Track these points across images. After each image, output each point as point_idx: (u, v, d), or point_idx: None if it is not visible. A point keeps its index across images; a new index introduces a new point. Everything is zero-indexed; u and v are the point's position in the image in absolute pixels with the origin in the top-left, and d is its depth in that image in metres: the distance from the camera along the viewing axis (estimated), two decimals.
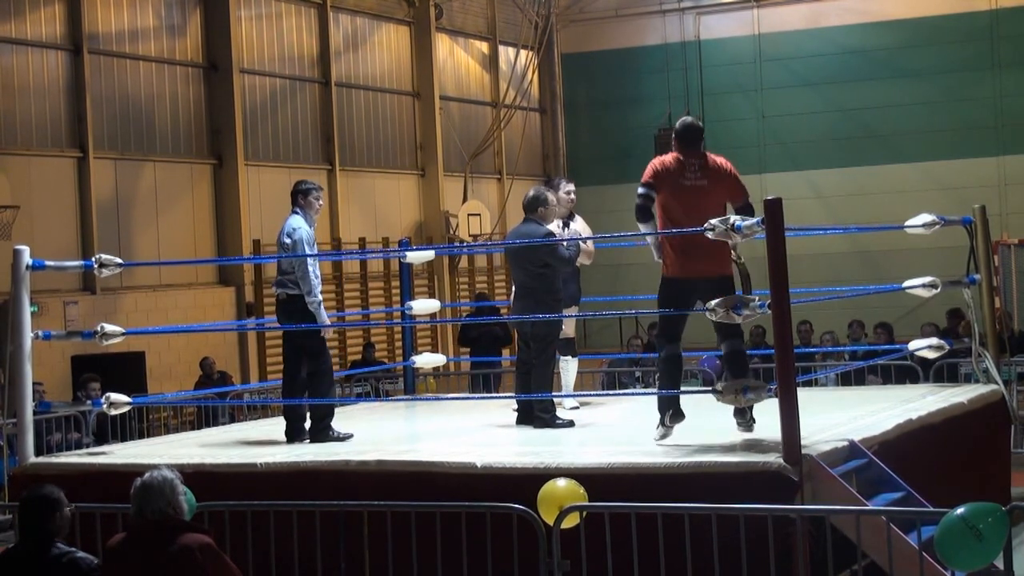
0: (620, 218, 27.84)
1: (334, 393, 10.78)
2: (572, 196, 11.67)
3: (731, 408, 9.03)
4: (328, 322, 10.48)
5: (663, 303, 9.14)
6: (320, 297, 10.37)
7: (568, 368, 11.80)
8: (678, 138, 9.26)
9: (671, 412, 9.00)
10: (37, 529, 6.44)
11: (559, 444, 9.62)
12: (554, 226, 11.13)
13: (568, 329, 11.62)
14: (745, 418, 9.00)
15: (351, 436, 10.22)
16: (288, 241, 10.41)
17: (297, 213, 10.60)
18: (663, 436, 9.03)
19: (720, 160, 9.24)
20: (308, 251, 10.33)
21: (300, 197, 10.66)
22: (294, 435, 10.36)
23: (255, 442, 10.54)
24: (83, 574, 6.33)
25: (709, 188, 9.01)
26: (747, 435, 8.99)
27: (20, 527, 6.69)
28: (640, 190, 9.12)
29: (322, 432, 10.23)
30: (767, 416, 8.81)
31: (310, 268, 10.30)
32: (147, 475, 6.26)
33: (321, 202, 10.78)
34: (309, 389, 10.52)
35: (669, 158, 9.18)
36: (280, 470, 9.20)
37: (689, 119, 9.47)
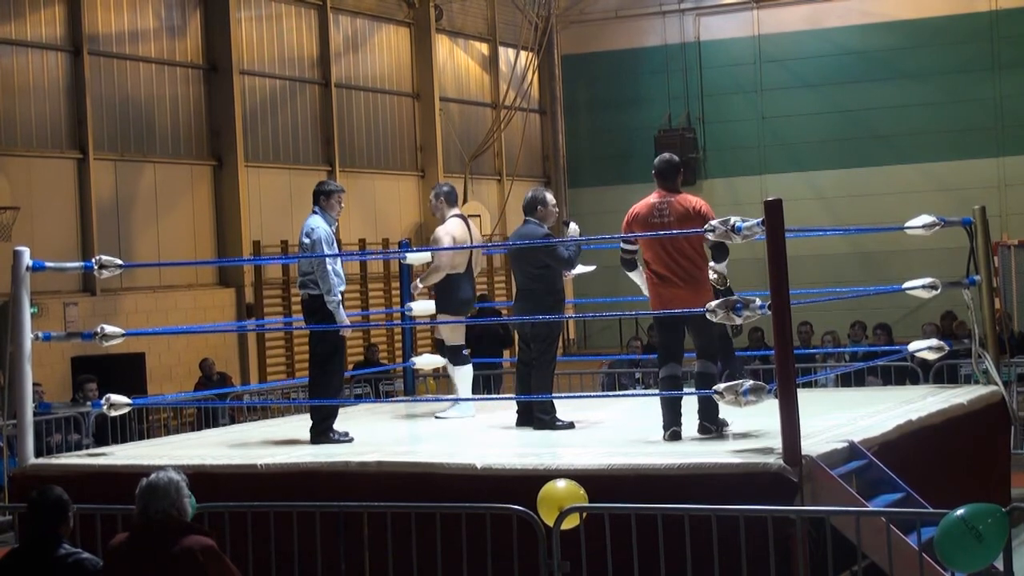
0: (620, 219, 27.81)
1: (338, 395, 10.75)
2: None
3: (732, 410, 9.07)
4: (347, 322, 10.47)
5: (656, 328, 9.76)
6: (339, 297, 10.33)
7: (458, 376, 11.88)
8: (655, 174, 9.67)
9: (670, 431, 9.35)
10: (46, 531, 6.45)
11: (559, 445, 9.62)
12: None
13: (455, 336, 11.83)
14: (714, 427, 9.36)
15: (351, 439, 10.21)
16: (307, 241, 10.37)
17: (316, 213, 10.54)
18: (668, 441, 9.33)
19: (691, 201, 9.53)
20: (327, 251, 10.32)
21: (322, 198, 10.59)
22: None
23: (255, 443, 10.53)
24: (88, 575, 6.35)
25: (675, 227, 9.34)
26: (747, 436, 9.01)
27: (28, 528, 6.68)
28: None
29: (322, 434, 10.23)
30: (767, 417, 8.82)
31: (329, 268, 10.28)
32: (153, 475, 6.26)
33: (343, 204, 10.73)
34: (312, 389, 10.51)
35: (641, 203, 9.69)
36: (280, 471, 9.21)
37: (666, 155, 9.83)
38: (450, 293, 11.69)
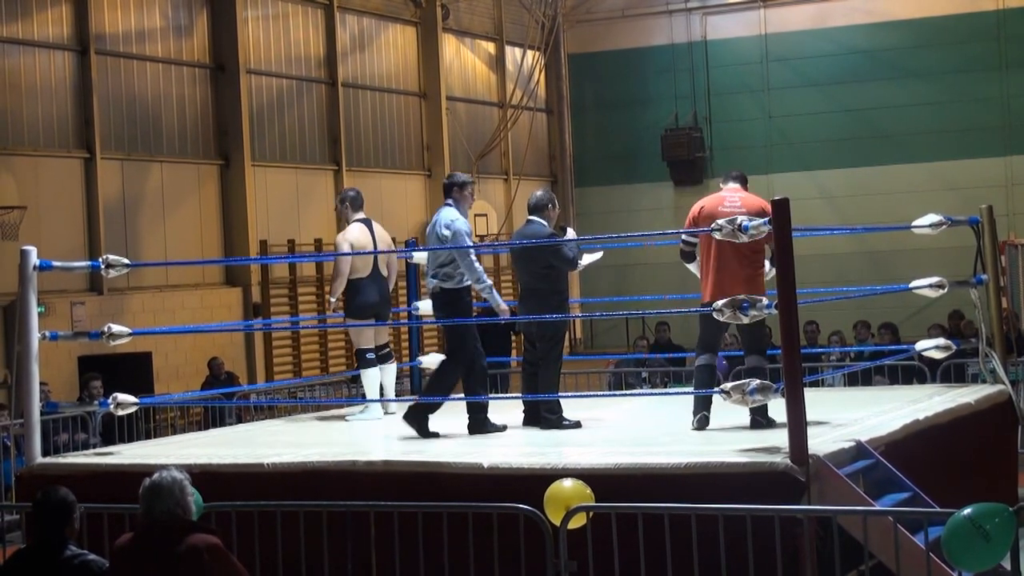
0: (626, 219, 27.87)
1: (487, 386, 10.82)
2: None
3: (738, 409, 9.07)
4: (504, 306, 10.58)
5: (701, 319, 9.87)
6: (489, 281, 10.53)
7: (364, 379, 12.02)
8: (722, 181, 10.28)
9: (699, 416, 9.68)
10: (52, 531, 6.45)
11: (565, 444, 9.62)
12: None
13: (360, 339, 12.02)
14: (764, 418, 9.51)
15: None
16: (447, 233, 10.46)
17: (450, 205, 10.68)
18: (696, 428, 9.69)
19: (759, 201, 9.84)
20: (468, 242, 10.43)
21: (455, 189, 10.76)
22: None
23: (262, 442, 10.54)
24: None
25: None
26: (754, 435, 9.02)
27: (35, 529, 6.69)
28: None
29: (480, 424, 10.33)
30: (774, 416, 8.81)
31: (472, 256, 10.41)
32: (156, 475, 6.27)
33: (475, 196, 10.84)
34: (464, 384, 10.67)
35: (709, 198, 10.08)
36: (287, 470, 9.21)
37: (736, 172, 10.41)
38: (352, 297, 11.96)
